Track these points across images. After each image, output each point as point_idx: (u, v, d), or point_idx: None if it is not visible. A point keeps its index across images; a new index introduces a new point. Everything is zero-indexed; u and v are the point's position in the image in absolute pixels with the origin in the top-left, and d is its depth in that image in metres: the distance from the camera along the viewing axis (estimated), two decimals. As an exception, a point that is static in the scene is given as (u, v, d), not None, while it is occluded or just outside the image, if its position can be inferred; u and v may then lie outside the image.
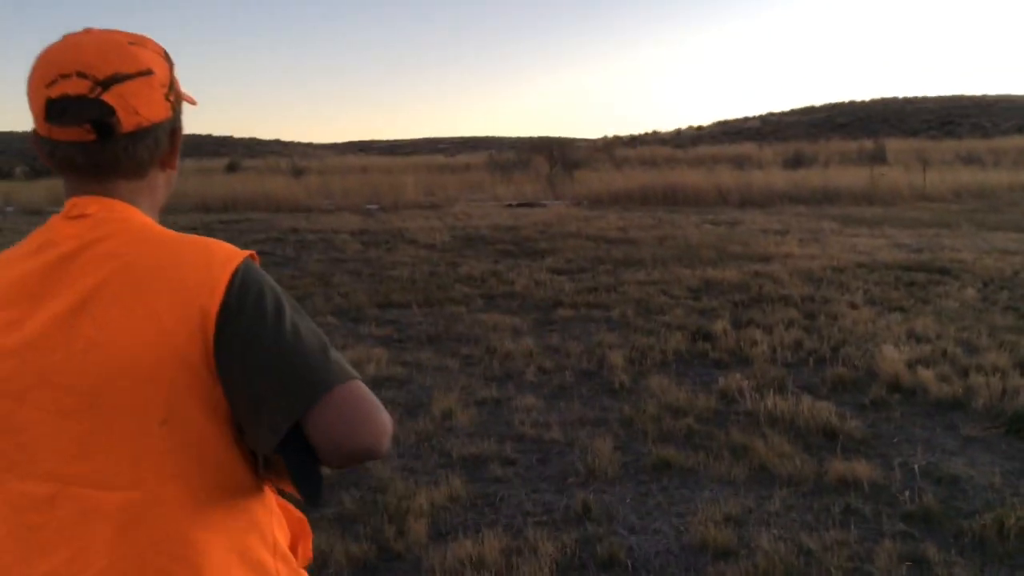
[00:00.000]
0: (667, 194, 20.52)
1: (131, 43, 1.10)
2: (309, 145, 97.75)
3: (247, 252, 1.09)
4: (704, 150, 42.93)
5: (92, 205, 1.09)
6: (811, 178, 22.34)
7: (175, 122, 1.17)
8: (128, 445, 1.01)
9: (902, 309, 7.47)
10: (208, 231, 15.18)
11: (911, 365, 5.44)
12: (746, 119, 73.73)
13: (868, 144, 35.12)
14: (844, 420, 4.44)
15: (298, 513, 1.25)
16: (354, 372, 1.05)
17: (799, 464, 3.90)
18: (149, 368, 1.00)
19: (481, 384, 5.39)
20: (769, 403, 4.68)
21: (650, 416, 4.63)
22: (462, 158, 47.38)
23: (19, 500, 1.03)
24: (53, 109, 1.06)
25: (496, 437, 4.41)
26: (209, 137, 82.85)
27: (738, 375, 5.33)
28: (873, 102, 72.19)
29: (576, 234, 13.68)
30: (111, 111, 1.06)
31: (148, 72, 1.09)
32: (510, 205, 20.22)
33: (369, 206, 19.95)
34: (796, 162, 29.12)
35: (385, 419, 1.02)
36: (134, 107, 1.08)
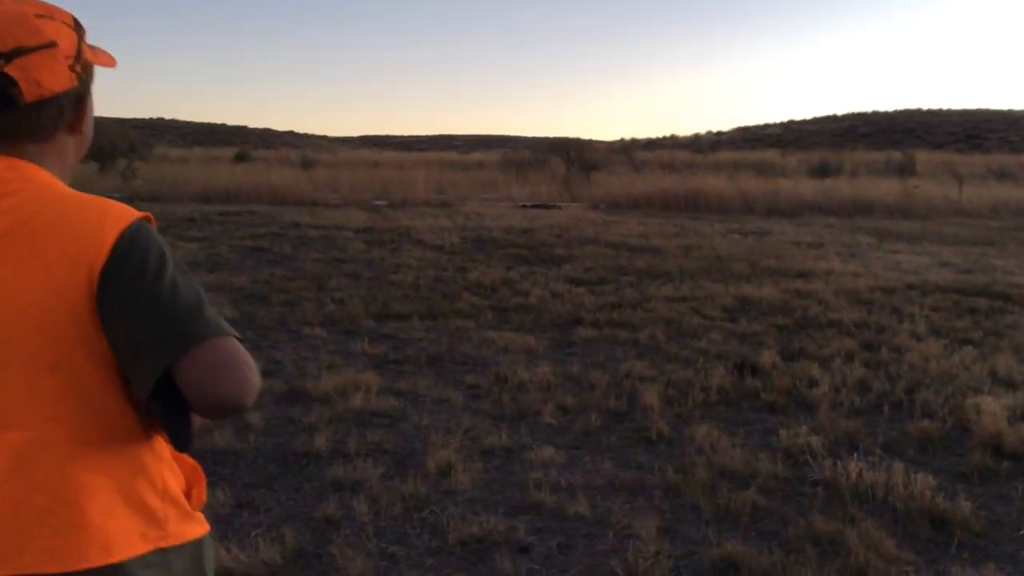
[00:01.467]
0: (689, 200, 19.50)
1: (38, 15, 1.12)
2: (324, 138, 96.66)
3: (142, 214, 1.13)
4: (725, 155, 41.75)
5: None
6: (840, 188, 21.30)
7: (81, 90, 1.18)
8: (18, 387, 1.05)
9: (972, 342, 6.50)
10: (205, 222, 14.30)
11: (1011, 421, 4.47)
12: (767, 126, 72.43)
13: (896, 155, 33.93)
14: (954, 502, 3.46)
15: (191, 461, 1.25)
16: (230, 330, 1.08)
17: (912, 574, 2.93)
18: (40, 317, 1.05)
19: (488, 426, 4.43)
20: (852, 472, 3.70)
21: (701, 484, 3.65)
22: (476, 155, 46.29)
23: None
24: None
25: (506, 508, 3.45)
26: (223, 126, 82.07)
27: (803, 427, 4.36)
28: (897, 113, 70.78)
29: (594, 240, 12.71)
30: (13, 83, 1.09)
31: (52, 45, 1.11)
32: (524, 206, 19.23)
33: (377, 202, 18.99)
34: (822, 171, 27.95)
35: (251, 375, 1.06)
36: (36, 79, 1.10)
